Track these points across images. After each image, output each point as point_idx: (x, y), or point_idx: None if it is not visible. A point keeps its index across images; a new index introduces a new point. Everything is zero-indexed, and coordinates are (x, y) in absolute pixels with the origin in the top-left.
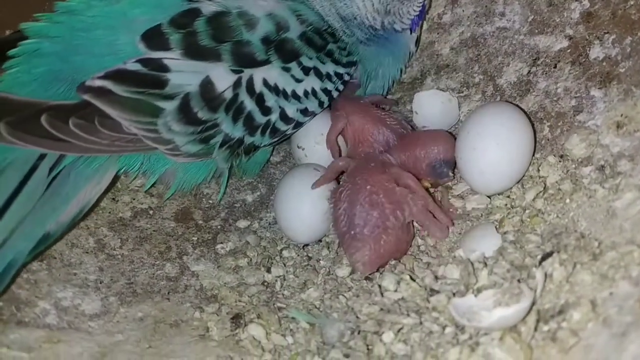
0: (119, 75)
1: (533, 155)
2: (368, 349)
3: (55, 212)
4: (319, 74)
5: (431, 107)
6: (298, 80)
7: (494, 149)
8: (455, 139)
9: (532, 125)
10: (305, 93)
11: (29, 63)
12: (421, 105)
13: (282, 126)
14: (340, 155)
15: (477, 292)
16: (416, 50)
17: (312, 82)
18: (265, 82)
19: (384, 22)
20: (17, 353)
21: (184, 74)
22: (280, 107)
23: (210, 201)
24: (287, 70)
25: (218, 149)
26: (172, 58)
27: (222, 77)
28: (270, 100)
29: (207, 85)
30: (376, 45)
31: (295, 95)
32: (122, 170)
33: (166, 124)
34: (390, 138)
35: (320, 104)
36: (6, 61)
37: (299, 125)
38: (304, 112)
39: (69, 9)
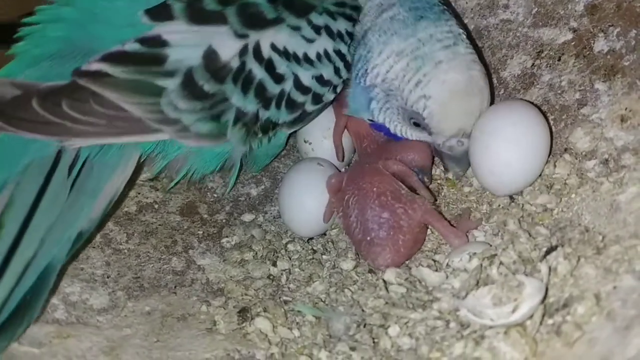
0: (116, 57)
1: (549, 154)
2: (374, 342)
3: (84, 210)
4: (330, 33)
5: None
6: (309, 41)
7: (506, 148)
8: (431, 149)
9: (549, 125)
10: (318, 56)
11: (46, 29)
12: None
13: (298, 97)
14: (343, 155)
15: (482, 288)
16: None
17: (324, 43)
18: (274, 47)
19: (376, 88)
20: (27, 348)
21: (184, 47)
22: (293, 73)
23: (215, 195)
24: (297, 29)
25: (232, 127)
26: (174, 31)
27: (227, 45)
28: (282, 65)
29: (210, 56)
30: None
31: (307, 59)
32: (146, 153)
33: (171, 103)
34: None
35: (336, 70)
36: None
37: (317, 98)
38: (320, 80)
39: None
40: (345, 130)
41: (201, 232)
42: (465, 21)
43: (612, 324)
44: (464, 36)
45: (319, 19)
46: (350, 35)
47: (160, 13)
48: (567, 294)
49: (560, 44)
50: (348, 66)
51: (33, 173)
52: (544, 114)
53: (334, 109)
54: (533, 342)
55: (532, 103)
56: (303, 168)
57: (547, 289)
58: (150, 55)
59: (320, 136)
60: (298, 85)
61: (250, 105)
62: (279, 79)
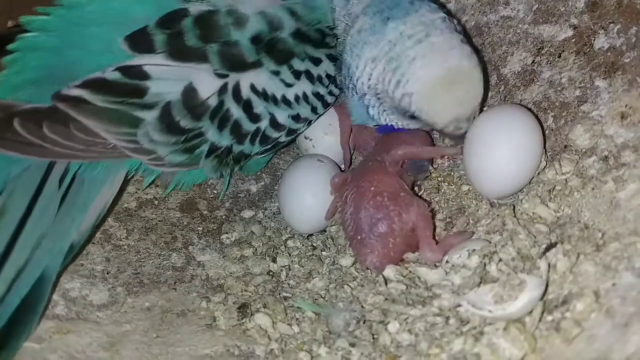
0: (96, 85)
1: (545, 155)
2: (374, 338)
3: (75, 222)
4: (310, 77)
5: None
6: (288, 85)
7: (500, 154)
8: (432, 138)
9: (542, 128)
10: (297, 98)
11: (25, 58)
12: None
13: (273, 133)
14: (351, 157)
15: (484, 286)
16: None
17: (303, 86)
18: (253, 88)
19: (366, 96)
20: (28, 344)
21: (164, 81)
22: (270, 113)
23: (215, 191)
24: (276, 74)
25: (205, 158)
26: (155, 64)
27: (206, 82)
28: (259, 106)
29: (189, 93)
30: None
31: (285, 101)
32: (133, 170)
33: (147, 134)
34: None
35: (313, 109)
36: (6, 55)
37: (291, 132)
38: (296, 118)
39: (70, 3)
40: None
41: (201, 229)
42: (466, 18)
43: (611, 320)
44: (440, 20)
45: (300, 65)
46: (331, 78)
47: (141, 43)
48: (567, 290)
49: (561, 40)
50: (326, 104)
51: (26, 182)
52: (537, 116)
53: (336, 110)
54: (532, 339)
55: (524, 107)
56: (303, 164)
57: (546, 286)
58: (130, 86)
59: (321, 133)
60: (274, 123)
61: (224, 140)
62: (255, 118)
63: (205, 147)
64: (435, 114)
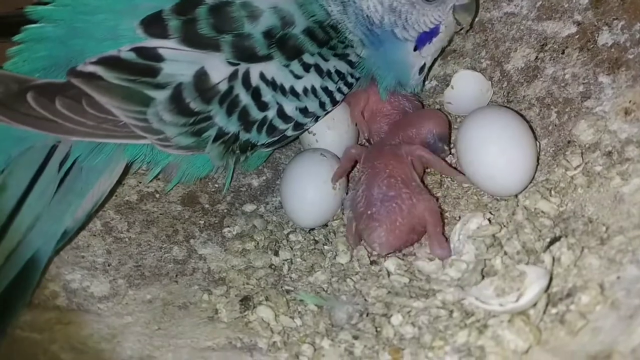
0: (111, 62)
1: (540, 150)
2: (377, 330)
3: (71, 207)
4: (319, 71)
5: (467, 85)
6: (297, 77)
7: (490, 156)
8: (448, 118)
9: (533, 132)
10: (305, 90)
11: (31, 49)
12: (457, 82)
13: (280, 124)
14: (368, 132)
15: (485, 280)
16: (422, 79)
17: (312, 79)
18: (263, 76)
19: (384, 18)
20: (29, 334)
21: (178, 63)
22: (277, 103)
23: (217, 185)
24: (286, 65)
25: (211, 143)
26: (168, 47)
27: (218, 68)
28: (267, 95)
29: (201, 76)
30: (372, 47)
31: (293, 92)
32: (131, 161)
33: (157, 114)
34: (405, 105)
35: (322, 104)
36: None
37: (299, 126)
38: (304, 111)
39: None
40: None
41: (202, 222)
42: None
43: (616, 313)
44: None
45: (310, 59)
46: (341, 74)
47: (155, 27)
48: (571, 283)
49: (564, 37)
50: (334, 101)
51: (27, 162)
52: (522, 115)
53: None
54: (537, 331)
55: (505, 106)
56: (306, 158)
57: (551, 277)
58: (144, 66)
59: (324, 127)
60: (281, 114)
61: (232, 126)
62: (263, 106)
63: (212, 132)
64: None
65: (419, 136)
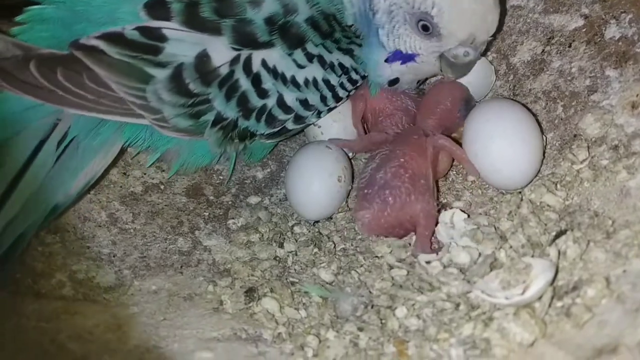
0: (114, 38)
1: (546, 143)
2: (382, 323)
3: (64, 185)
4: (322, 62)
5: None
6: (300, 66)
7: (495, 148)
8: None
9: (539, 126)
10: (306, 82)
11: (33, 29)
12: None
13: (279, 114)
14: (365, 130)
15: (490, 272)
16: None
17: (314, 70)
18: (264, 63)
19: (379, 13)
20: (36, 324)
21: (181, 43)
22: (278, 92)
23: (221, 177)
24: (290, 54)
25: (210, 128)
26: (172, 28)
27: (220, 52)
28: (267, 82)
29: (202, 58)
30: (366, 38)
31: (294, 82)
32: (127, 144)
33: (155, 92)
34: (407, 103)
35: (323, 98)
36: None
37: (299, 119)
38: (304, 103)
39: None
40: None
41: (207, 214)
42: None
43: (622, 306)
44: None
45: (314, 49)
46: (344, 68)
47: (158, 10)
48: (577, 277)
49: (571, 30)
50: (337, 97)
51: (27, 138)
52: (529, 109)
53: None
54: (542, 324)
55: (512, 99)
56: (312, 151)
57: (557, 270)
58: (146, 44)
59: (329, 120)
60: (281, 103)
61: (230, 111)
62: (263, 93)
63: (211, 116)
64: (456, 19)
65: (452, 112)
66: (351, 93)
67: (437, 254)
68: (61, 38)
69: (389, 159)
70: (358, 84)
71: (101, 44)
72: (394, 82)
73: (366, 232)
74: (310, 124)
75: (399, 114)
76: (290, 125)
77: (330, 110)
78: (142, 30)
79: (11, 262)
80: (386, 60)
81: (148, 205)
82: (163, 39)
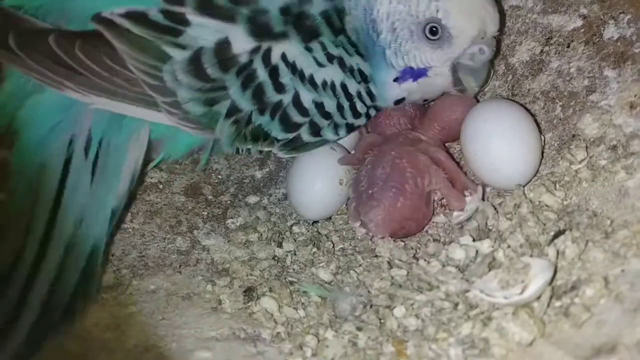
0: (137, 16)
1: (545, 143)
2: (380, 322)
3: (112, 188)
4: (342, 65)
5: None
6: (320, 64)
7: (494, 148)
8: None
9: (538, 126)
10: (324, 83)
11: (27, 3)
12: None
13: (294, 115)
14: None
15: (489, 272)
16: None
17: (333, 72)
18: (284, 57)
19: (382, 33)
20: None
21: (203, 28)
22: (295, 88)
23: (220, 176)
24: (310, 50)
25: (223, 119)
26: (192, 14)
27: (242, 40)
28: (285, 76)
29: (223, 44)
30: (367, 54)
31: (312, 81)
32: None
33: (172, 72)
34: (409, 111)
35: (340, 107)
36: None
37: (314, 127)
38: (320, 108)
39: None
40: None
41: (206, 213)
42: None
43: (620, 306)
44: None
45: (334, 50)
46: (363, 76)
47: None
48: (575, 277)
49: (570, 30)
50: (355, 110)
51: (50, 163)
52: (527, 109)
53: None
54: (541, 323)
55: (510, 99)
56: (315, 151)
57: (555, 270)
58: (168, 27)
59: None
60: (296, 102)
61: (245, 103)
62: (279, 87)
63: (224, 107)
64: (464, 17)
65: (459, 123)
66: (370, 112)
67: (471, 194)
68: (55, 10)
69: (381, 157)
70: (375, 102)
71: (124, 21)
72: (399, 102)
73: (380, 232)
74: (326, 142)
75: (397, 114)
76: (305, 135)
77: (348, 128)
78: (166, 13)
79: (94, 278)
80: (395, 80)
81: (146, 205)
82: (186, 23)
